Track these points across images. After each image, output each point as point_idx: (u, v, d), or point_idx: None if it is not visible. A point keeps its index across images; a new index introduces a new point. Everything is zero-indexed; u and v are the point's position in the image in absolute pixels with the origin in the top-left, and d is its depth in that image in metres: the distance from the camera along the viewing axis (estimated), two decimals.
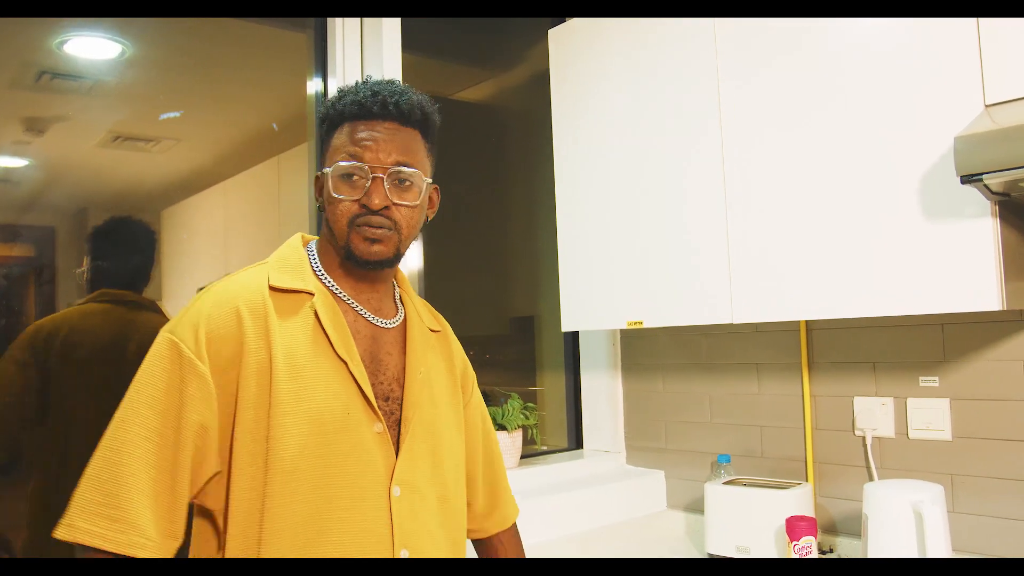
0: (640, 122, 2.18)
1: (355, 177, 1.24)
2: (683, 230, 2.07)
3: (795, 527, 1.89)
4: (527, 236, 3.04)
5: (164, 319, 2.23)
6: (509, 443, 2.41)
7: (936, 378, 1.99)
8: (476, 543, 1.56)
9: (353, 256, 1.26)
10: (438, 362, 1.39)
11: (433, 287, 2.84)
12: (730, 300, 1.97)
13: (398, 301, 1.38)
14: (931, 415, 1.99)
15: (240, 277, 1.26)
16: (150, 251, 2.35)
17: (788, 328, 2.27)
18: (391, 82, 1.31)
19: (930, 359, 2.00)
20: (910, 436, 2.02)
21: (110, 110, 2.38)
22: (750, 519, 2.07)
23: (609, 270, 2.24)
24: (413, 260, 2.79)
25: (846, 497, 2.14)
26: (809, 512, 2.06)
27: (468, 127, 3.05)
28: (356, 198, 1.24)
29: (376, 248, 1.25)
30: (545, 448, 2.79)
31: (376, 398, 1.25)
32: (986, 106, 1.56)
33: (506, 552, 1.56)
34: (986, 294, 1.57)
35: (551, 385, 2.96)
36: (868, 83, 1.75)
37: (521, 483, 2.37)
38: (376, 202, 1.23)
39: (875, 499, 1.72)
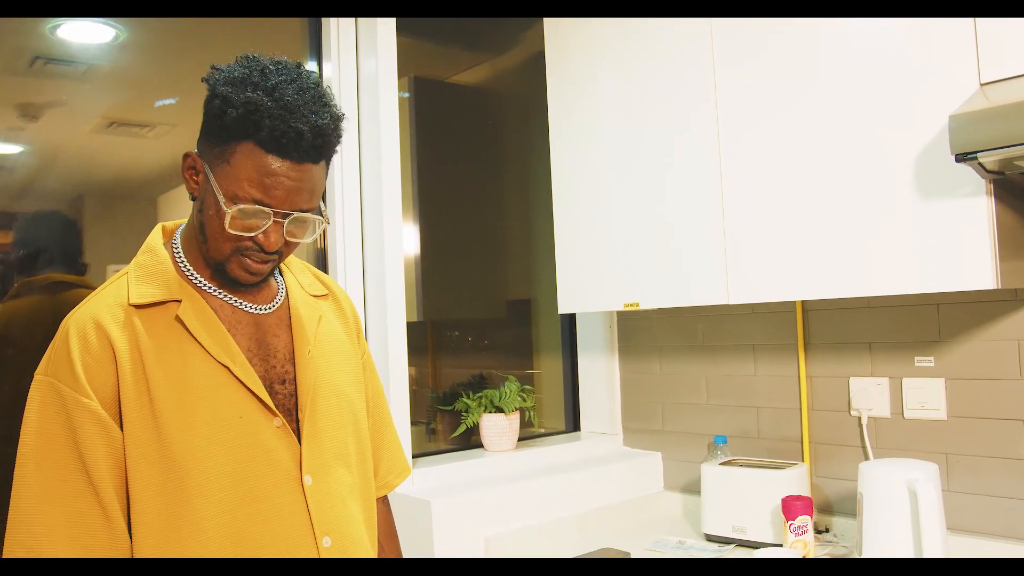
0: (636, 104, 2.17)
1: (254, 219, 1.15)
2: (679, 212, 2.07)
3: (791, 507, 1.90)
4: (523, 219, 3.04)
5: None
6: (506, 425, 2.42)
7: (931, 358, 2.00)
8: None
9: (226, 276, 1.20)
10: (331, 326, 1.34)
11: (429, 271, 2.84)
12: (726, 281, 1.97)
13: (277, 276, 1.32)
14: (926, 395, 2.00)
15: (101, 297, 1.19)
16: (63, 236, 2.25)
17: (784, 309, 2.27)
18: (305, 91, 1.14)
19: (925, 339, 2.01)
20: (905, 416, 2.03)
21: (104, 95, 2.37)
22: (746, 499, 2.08)
23: (605, 252, 2.24)
24: (409, 245, 2.79)
25: (842, 477, 2.15)
26: (805, 492, 2.07)
27: (463, 110, 3.04)
28: (251, 235, 1.16)
29: (255, 276, 1.20)
30: (542, 430, 2.80)
31: (273, 383, 1.22)
32: (981, 85, 1.56)
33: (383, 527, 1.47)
34: (981, 273, 1.57)
35: (548, 368, 2.96)
36: (863, 63, 1.75)
37: (518, 465, 2.39)
38: (273, 244, 1.16)
39: (870, 478, 1.73)
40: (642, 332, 2.65)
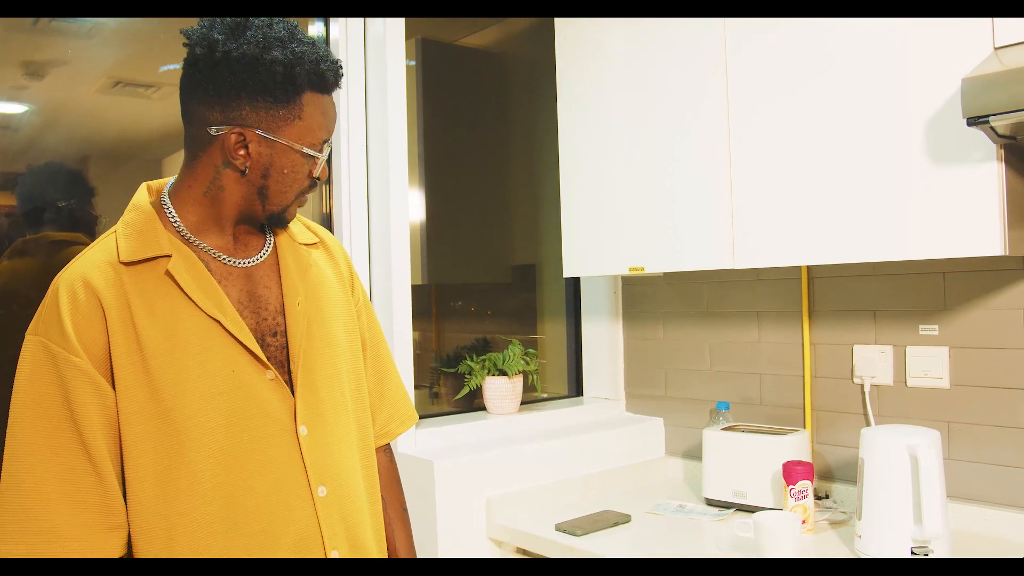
0: (645, 67, 2.16)
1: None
2: (686, 176, 2.06)
3: (792, 471, 1.91)
4: (530, 183, 3.03)
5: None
6: (509, 388, 2.42)
7: (936, 327, 1.99)
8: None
9: (282, 220, 1.26)
10: (321, 274, 1.34)
11: (435, 236, 2.84)
12: (732, 246, 1.97)
13: (264, 228, 1.32)
14: (930, 363, 2.00)
15: (89, 255, 1.19)
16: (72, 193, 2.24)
17: (789, 276, 2.27)
18: (315, 41, 1.22)
19: (930, 308, 2.00)
20: (908, 384, 2.04)
21: (110, 52, 2.36)
22: (747, 465, 2.09)
23: (611, 216, 2.23)
24: (415, 211, 2.79)
25: (843, 444, 2.16)
26: (806, 458, 2.08)
27: (471, 73, 3.02)
28: (311, 173, 1.24)
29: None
30: (545, 395, 2.81)
31: (264, 335, 1.23)
32: (995, 48, 1.54)
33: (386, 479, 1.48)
34: (989, 239, 1.56)
35: (552, 333, 2.97)
36: (876, 26, 1.72)
37: (521, 427, 2.40)
38: (325, 174, 1.26)
39: (871, 443, 1.73)
40: (646, 298, 2.64)
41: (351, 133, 2.34)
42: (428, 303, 3.12)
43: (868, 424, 2.09)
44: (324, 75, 1.19)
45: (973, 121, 1.44)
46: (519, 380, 2.45)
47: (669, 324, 2.58)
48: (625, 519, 2.05)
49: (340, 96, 2.35)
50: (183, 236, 1.22)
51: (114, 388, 1.13)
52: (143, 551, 1.14)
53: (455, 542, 2.04)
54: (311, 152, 1.21)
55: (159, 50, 2.45)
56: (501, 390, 2.42)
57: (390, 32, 2.24)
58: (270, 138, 1.18)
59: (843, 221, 1.77)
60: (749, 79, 1.93)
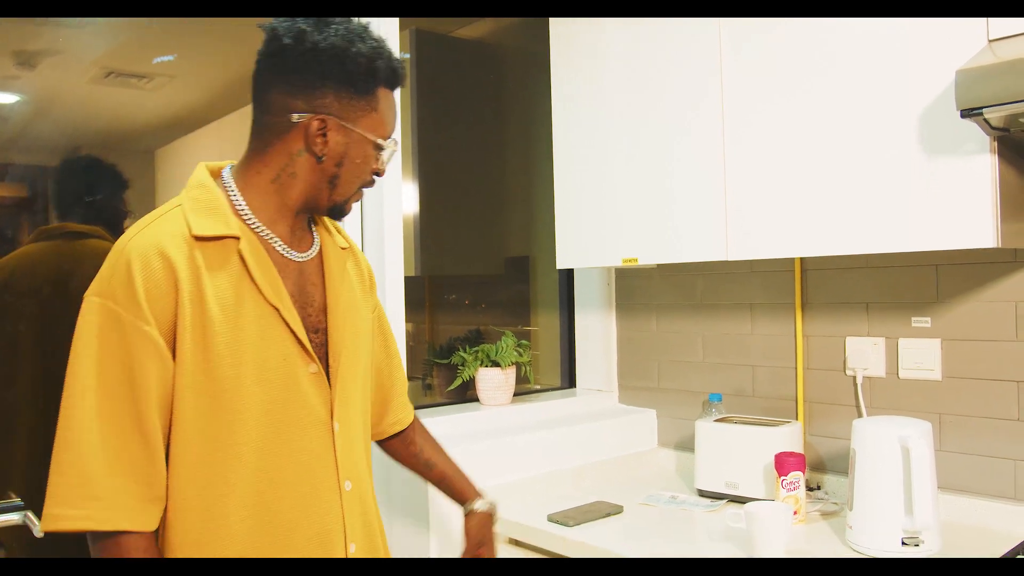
0: (639, 58, 2.15)
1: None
2: (680, 168, 2.06)
3: (784, 462, 1.91)
4: (524, 175, 3.03)
5: (108, 244, 2.20)
6: (502, 380, 2.42)
7: (928, 319, 2.00)
8: (381, 443, 1.62)
9: (341, 212, 1.31)
10: (354, 280, 1.40)
11: (428, 228, 2.83)
12: (725, 238, 1.97)
13: (311, 226, 1.37)
14: (922, 355, 2.00)
15: (159, 226, 1.19)
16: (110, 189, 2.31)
17: (782, 268, 2.27)
18: (383, 41, 1.28)
19: (923, 300, 2.01)
20: (900, 376, 2.04)
21: (102, 42, 2.35)
22: (739, 456, 2.10)
23: (605, 208, 2.23)
24: (408, 203, 2.78)
25: (835, 436, 2.17)
26: (798, 450, 2.08)
27: (466, 65, 3.01)
28: (374, 168, 1.30)
29: None
30: (538, 387, 2.81)
31: (308, 331, 1.27)
32: (989, 41, 1.55)
33: (423, 442, 1.64)
34: (982, 231, 1.57)
35: (545, 325, 2.97)
36: (871, 19, 1.72)
37: (514, 419, 2.40)
38: (384, 172, 1.32)
39: (863, 434, 1.74)
40: (640, 290, 2.65)
41: None
42: (421, 295, 3.12)
43: (860, 416, 2.09)
44: (396, 71, 1.27)
45: (967, 113, 1.44)
46: (512, 371, 2.45)
47: (662, 316, 2.58)
48: (617, 510, 2.05)
49: None
50: (247, 220, 1.25)
51: (173, 360, 1.16)
52: (176, 526, 1.17)
53: (447, 533, 2.04)
54: (383, 144, 1.27)
55: (152, 40, 2.44)
56: (494, 381, 2.42)
57: (383, 22, 2.23)
58: (348, 127, 1.23)
59: (836, 213, 1.78)
60: (744, 73, 1.93)
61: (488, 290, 3.17)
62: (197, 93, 3.84)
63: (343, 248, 1.40)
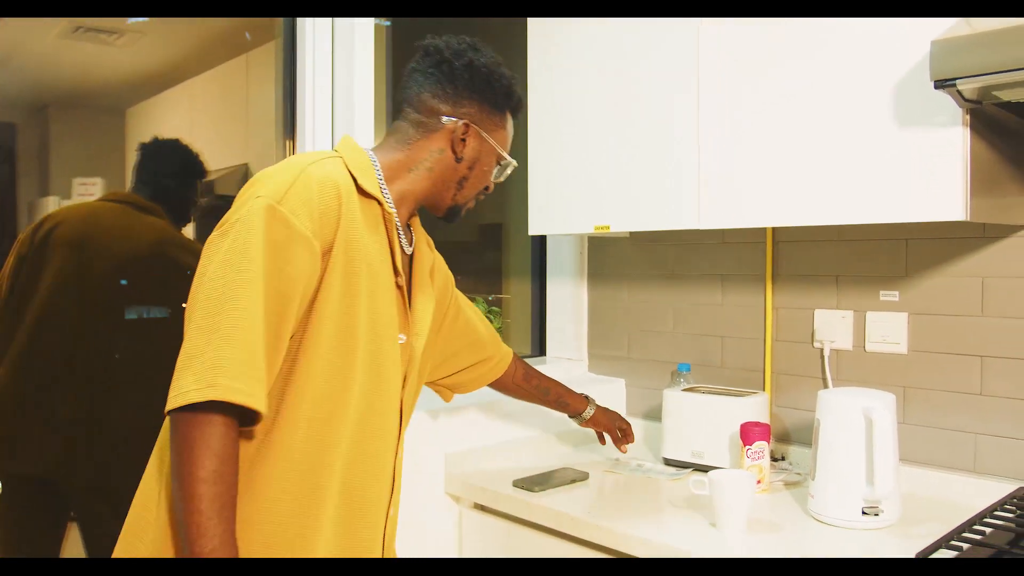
0: (614, 27, 2.13)
1: None
2: (653, 136, 2.04)
3: (749, 432, 1.92)
4: None
5: (165, 224, 2.34)
6: None
7: (896, 293, 2.01)
8: (497, 384, 1.94)
9: (455, 216, 1.47)
10: (432, 280, 1.53)
11: None
12: (697, 206, 1.96)
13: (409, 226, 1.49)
14: (889, 329, 2.02)
15: (334, 164, 1.29)
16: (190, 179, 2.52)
17: (754, 240, 2.27)
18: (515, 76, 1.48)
19: (892, 274, 2.02)
20: (867, 349, 2.06)
21: None
22: (706, 426, 2.11)
23: (578, 175, 2.21)
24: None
25: (801, 407, 2.18)
26: (764, 420, 2.10)
27: (443, 31, 2.97)
28: (490, 180, 1.49)
29: None
30: None
31: None
32: None
33: (533, 371, 2.00)
34: (951, 204, 1.57)
35: (517, 293, 2.96)
36: None
37: None
38: (492, 188, 1.51)
39: (828, 405, 1.75)
40: (612, 259, 2.64)
41: (316, 91, 2.30)
42: None
43: (827, 388, 2.11)
44: (522, 102, 1.49)
45: (940, 84, 1.43)
46: None
47: (634, 286, 2.58)
48: (583, 477, 2.06)
49: (307, 53, 2.32)
50: (387, 199, 1.36)
51: (320, 284, 1.22)
52: (277, 441, 1.19)
53: (413, 497, 2.04)
54: (505, 159, 1.46)
55: None
56: None
57: (358, 22, 2.23)
58: (484, 136, 1.42)
59: (808, 183, 1.77)
60: (719, 40, 1.91)
61: (460, 257, 3.14)
62: (168, 50, 3.76)
63: (430, 247, 1.55)
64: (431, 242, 1.58)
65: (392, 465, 1.38)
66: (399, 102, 1.43)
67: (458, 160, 1.40)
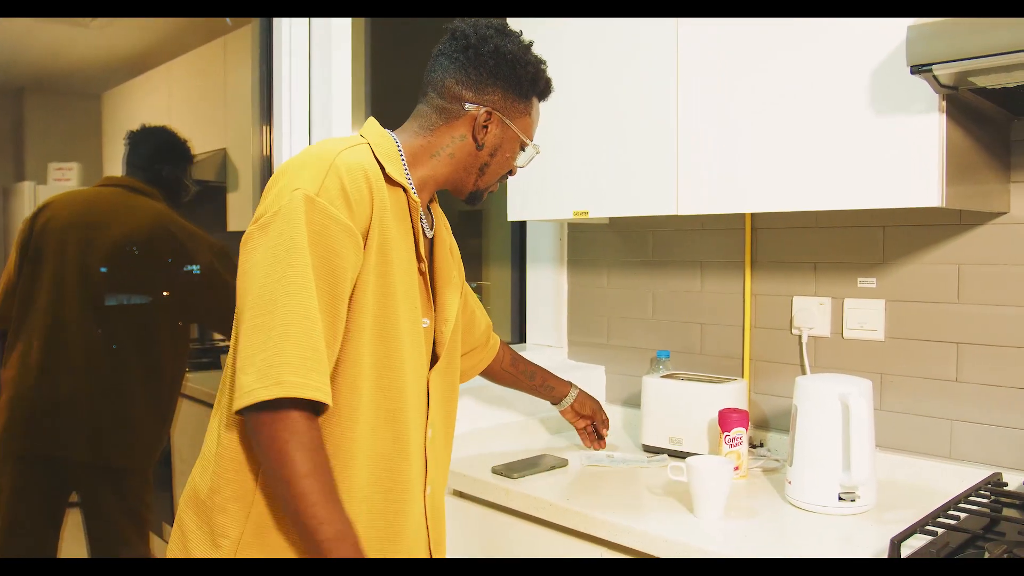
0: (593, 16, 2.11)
1: None
2: (632, 121, 2.03)
3: (727, 418, 1.93)
4: None
5: (161, 205, 2.42)
6: None
7: (874, 280, 2.02)
8: (486, 373, 1.96)
9: (477, 199, 1.48)
10: (452, 263, 1.53)
11: None
12: (676, 192, 1.95)
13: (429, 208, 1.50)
14: (866, 315, 2.02)
15: (363, 152, 1.29)
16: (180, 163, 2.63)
17: (733, 227, 2.27)
18: (543, 60, 1.48)
19: (869, 261, 2.02)
20: (844, 336, 2.06)
21: None
22: (684, 412, 2.11)
23: (557, 160, 2.20)
24: None
25: (779, 394, 2.19)
26: (743, 407, 2.10)
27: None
28: (513, 166, 1.49)
29: None
30: None
31: None
32: None
33: (520, 358, 2.02)
34: (927, 190, 1.57)
35: (497, 279, 2.95)
36: None
37: None
38: (516, 173, 1.52)
39: (805, 391, 1.75)
40: (592, 246, 2.63)
41: (293, 75, 2.28)
42: None
43: (804, 375, 2.11)
44: (550, 85, 1.49)
45: (917, 69, 1.43)
46: None
47: (613, 272, 2.58)
48: (562, 463, 2.06)
49: (284, 37, 2.29)
50: (409, 183, 1.37)
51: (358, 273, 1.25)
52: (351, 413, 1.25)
53: None
54: (528, 145, 1.46)
55: None
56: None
57: (335, 22, 2.21)
58: (507, 123, 1.42)
59: (786, 169, 1.77)
60: (698, 27, 1.90)
61: None
62: (145, 33, 3.71)
63: (448, 231, 1.56)
64: (448, 225, 1.58)
65: (422, 446, 1.38)
66: (424, 85, 1.44)
67: (479, 147, 1.41)
